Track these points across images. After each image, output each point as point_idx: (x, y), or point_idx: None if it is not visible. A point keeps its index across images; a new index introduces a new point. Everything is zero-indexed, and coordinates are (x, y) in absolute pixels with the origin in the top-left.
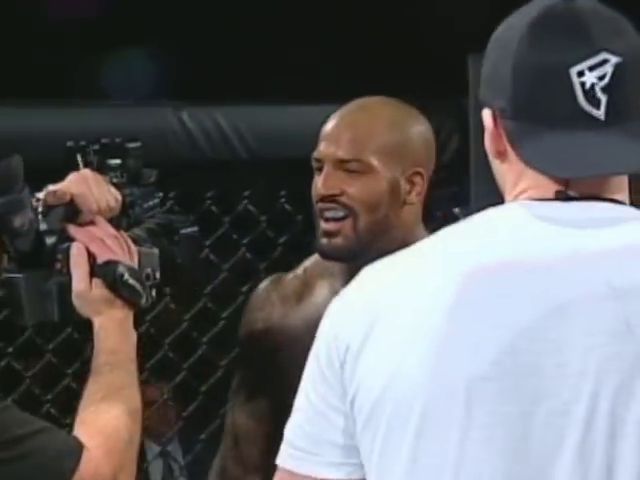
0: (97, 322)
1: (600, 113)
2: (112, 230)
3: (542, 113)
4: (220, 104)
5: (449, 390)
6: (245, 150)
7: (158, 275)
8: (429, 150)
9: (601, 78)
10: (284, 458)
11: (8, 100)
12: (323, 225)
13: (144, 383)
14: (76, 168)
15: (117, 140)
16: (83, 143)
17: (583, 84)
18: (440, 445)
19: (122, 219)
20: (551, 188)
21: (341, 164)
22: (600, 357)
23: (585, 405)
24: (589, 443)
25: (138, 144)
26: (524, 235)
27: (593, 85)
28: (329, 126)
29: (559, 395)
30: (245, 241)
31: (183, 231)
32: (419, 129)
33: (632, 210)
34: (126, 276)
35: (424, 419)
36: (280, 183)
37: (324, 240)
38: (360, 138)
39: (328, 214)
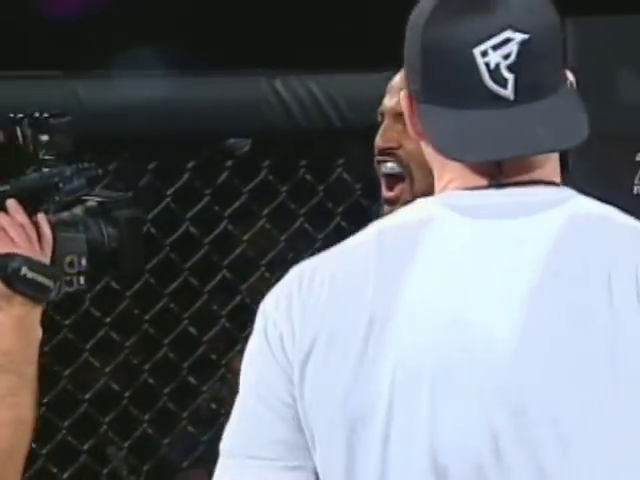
0: None
1: (508, 93)
2: (20, 218)
3: (450, 96)
4: (314, 72)
5: (413, 375)
6: (339, 118)
7: (84, 261)
8: None
9: (506, 57)
10: (229, 472)
11: (116, 73)
12: (384, 194)
13: (240, 353)
14: (15, 140)
15: (44, 115)
16: (21, 115)
17: (487, 64)
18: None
19: (48, 200)
20: (476, 177)
21: (401, 117)
22: (555, 347)
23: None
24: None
25: (64, 119)
26: (457, 230)
27: (498, 65)
28: (394, 80)
29: (510, 390)
30: (340, 210)
31: (124, 211)
32: None
33: (562, 191)
34: (23, 270)
35: (391, 409)
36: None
37: (386, 208)
38: None
39: (385, 169)
